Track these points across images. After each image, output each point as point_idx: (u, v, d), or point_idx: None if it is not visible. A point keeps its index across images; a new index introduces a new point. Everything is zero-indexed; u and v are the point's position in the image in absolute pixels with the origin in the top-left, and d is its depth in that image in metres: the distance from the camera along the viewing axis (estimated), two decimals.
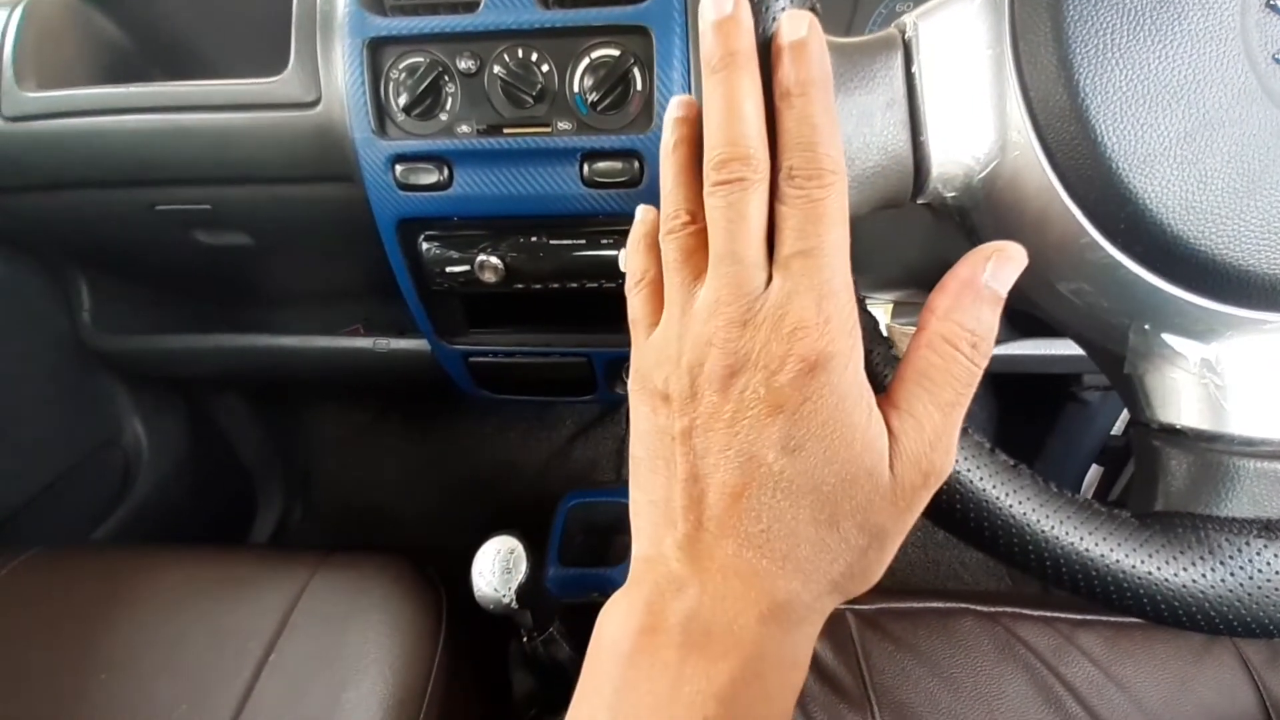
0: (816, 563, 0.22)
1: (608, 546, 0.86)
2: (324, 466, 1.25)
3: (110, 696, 0.53)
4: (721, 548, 0.22)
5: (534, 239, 0.54)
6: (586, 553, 0.84)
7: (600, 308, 0.59)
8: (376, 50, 0.50)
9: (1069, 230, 0.24)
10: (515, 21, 0.48)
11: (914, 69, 0.25)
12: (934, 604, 0.55)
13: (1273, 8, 0.23)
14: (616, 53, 0.48)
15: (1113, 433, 0.96)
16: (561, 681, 0.65)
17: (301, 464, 1.24)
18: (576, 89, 0.49)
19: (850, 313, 0.22)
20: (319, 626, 0.56)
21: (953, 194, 0.26)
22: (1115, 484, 1.00)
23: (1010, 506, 0.24)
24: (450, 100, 0.50)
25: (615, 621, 0.24)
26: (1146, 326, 0.25)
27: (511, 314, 0.65)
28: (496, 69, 0.48)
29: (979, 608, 0.55)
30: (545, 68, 0.49)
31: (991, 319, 0.22)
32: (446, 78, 0.50)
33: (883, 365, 0.24)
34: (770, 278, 0.22)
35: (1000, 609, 0.55)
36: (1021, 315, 0.58)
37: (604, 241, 0.54)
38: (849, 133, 0.25)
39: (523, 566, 0.52)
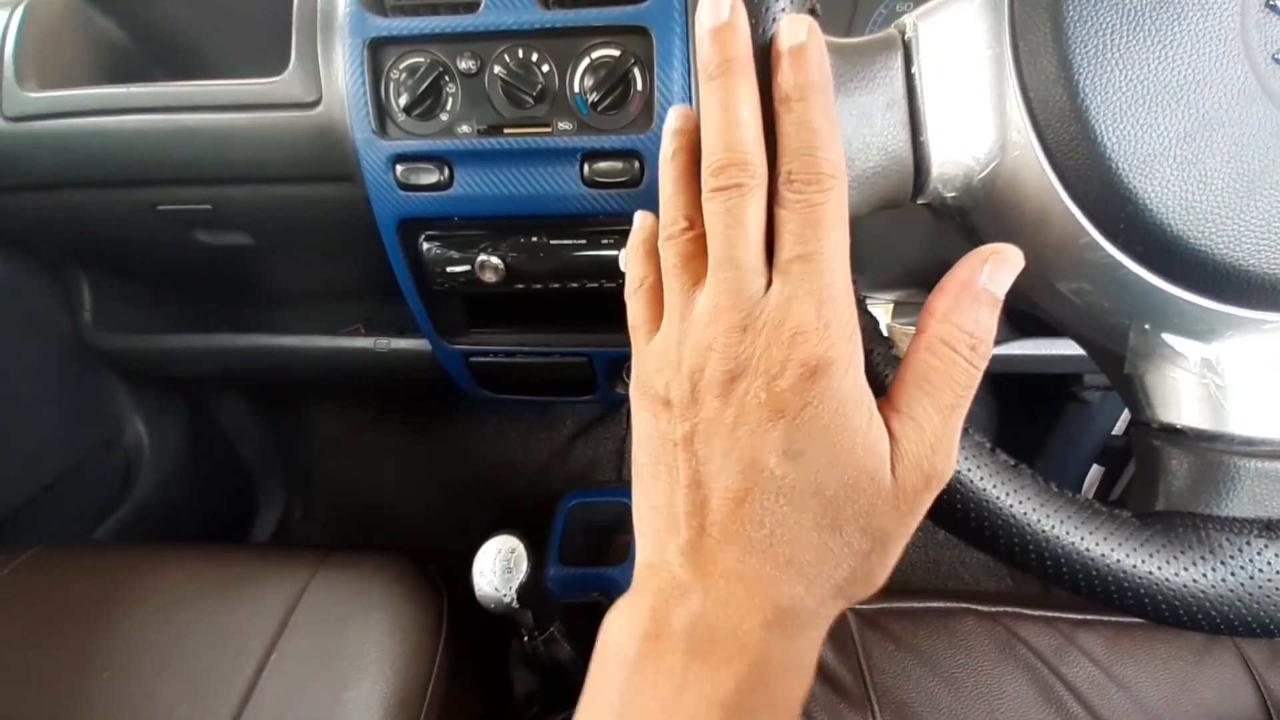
0: (820, 568, 0.22)
1: (608, 546, 0.86)
2: (325, 466, 1.25)
3: (111, 696, 0.54)
4: (725, 553, 0.22)
5: (534, 239, 0.54)
6: (587, 552, 0.84)
7: (601, 308, 0.59)
8: (377, 50, 0.50)
9: (1069, 230, 0.24)
10: (516, 22, 0.48)
11: (914, 69, 0.25)
12: (935, 604, 0.55)
13: (1272, 8, 0.23)
14: (617, 53, 0.48)
15: (1113, 433, 0.96)
16: (562, 681, 0.65)
17: (302, 464, 1.24)
18: (577, 89, 0.49)
19: (850, 317, 0.22)
20: (320, 626, 0.56)
21: (953, 194, 0.26)
22: (1116, 484, 1.00)
23: (1011, 506, 0.24)
24: (451, 100, 0.50)
25: (620, 627, 0.24)
26: (1147, 326, 0.25)
27: (512, 314, 0.65)
28: (497, 69, 0.48)
29: (980, 607, 0.55)
30: (546, 68, 0.49)
31: (990, 321, 0.22)
32: (447, 78, 0.50)
33: (883, 365, 0.24)
34: (770, 282, 0.22)
35: (1001, 609, 0.55)
36: (1022, 315, 0.58)
37: (604, 241, 0.54)
38: (849, 133, 0.25)
39: (523, 566, 0.52)
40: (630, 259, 0.27)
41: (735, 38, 0.21)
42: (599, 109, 0.49)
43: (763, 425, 0.21)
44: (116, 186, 0.61)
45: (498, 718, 0.68)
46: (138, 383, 0.94)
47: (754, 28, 0.22)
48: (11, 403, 0.79)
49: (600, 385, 0.68)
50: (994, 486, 0.24)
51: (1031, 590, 1.02)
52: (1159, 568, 0.24)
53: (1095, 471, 1.02)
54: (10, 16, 0.59)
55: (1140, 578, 0.24)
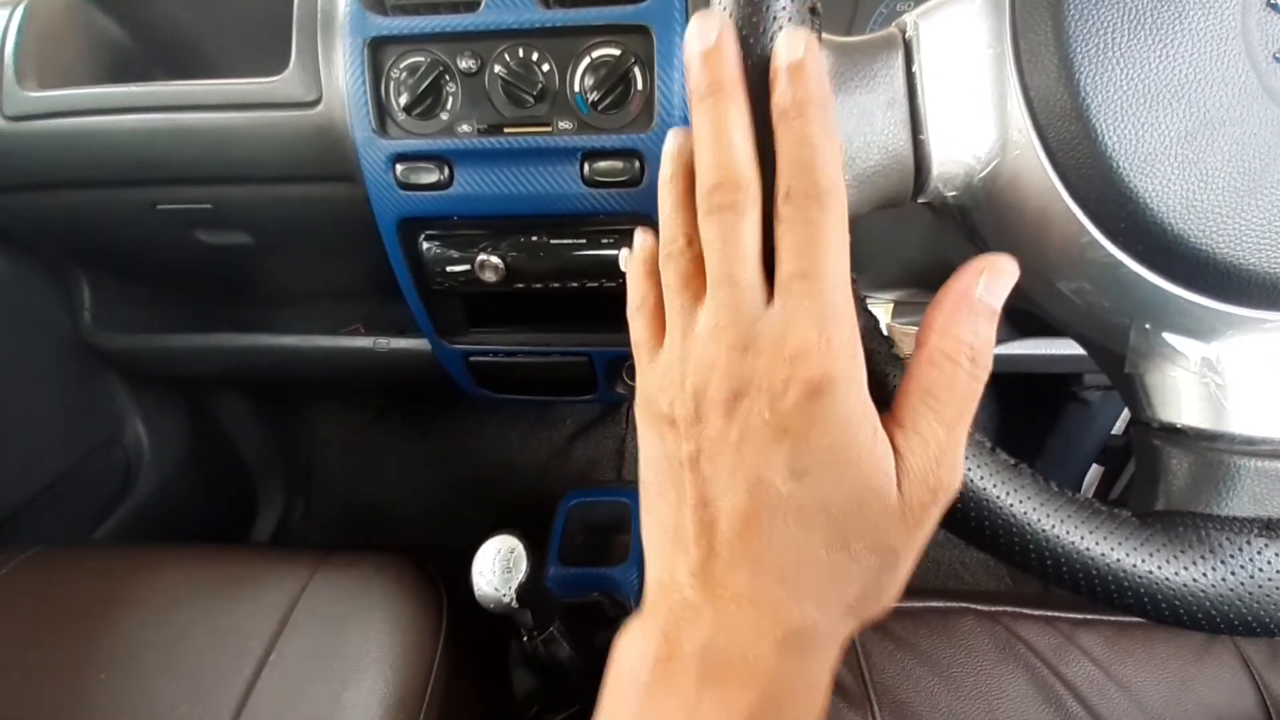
0: (831, 587, 0.22)
1: (608, 546, 0.86)
2: (325, 466, 1.25)
3: (110, 696, 0.53)
4: (735, 574, 0.22)
5: (534, 238, 0.54)
6: (587, 552, 0.84)
7: (601, 307, 0.59)
8: (377, 50, 0.50)
9: (1070, 229, 0.24)
10: (516, 21, 0.48)
11: (915, 68, 0.25)
12: (934, 603, 0.55)
13: (1273, 7, 0.23)
14: (617, 52, 0.48)
15: (1113, 432, 0.96)
16: (562, 681, 0.65)
17: (302, 463, 1.24)
18: (577, 88, 0.49)
19: (853, 334, 0.22)
20: (319, 625, 0.56)
21: (953, 193, 0.26)
22: (1116, 483, 1.00)
23: (1011, 506, 0.24)
24: (451, 100, 0.50)
25: (632, 649, 0.24)
26: (1147, 325, 0.25)
27: (512, 313, 0.65)
28: (497, 68, 0.48)
29: (979, 607, 0.55)
30: (546, 67, 0.49)
31: (989, 333, 0.22)
32: (447, 77, 0.50)
33: (885, 365, 0.24)
34: (770, 299, 0.22)
35: (1000, 608, 0.55)
36: (1022, 314, 0.59)
37: (604, 241, 0.54)
38: (849, 132, 0.25)
39: (523, 566, 0.52)
40: (631, 278, 0.27)
41: (723, 62, 0.22)
42: (599, 108, 0.49)
43: (767, 444, 0.21)
44: (117, 186, 0.61)
45: (497, 717, 0.68)
46: (138, 382, 0.94)
47: (753, 41, 0.22)
48: (11, 402, 0.79)
49: (600, 385, 0.68)
50: (994, 486, 0.24)
51: (1031, 590, 1.02)
52: (1159, 567, 0.24)
53: (1095, 471, 1.02)
54: (10, 16, 0.59)
55: (1140, 577, 0.24)
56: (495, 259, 0.54)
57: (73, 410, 0.86)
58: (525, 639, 0.59)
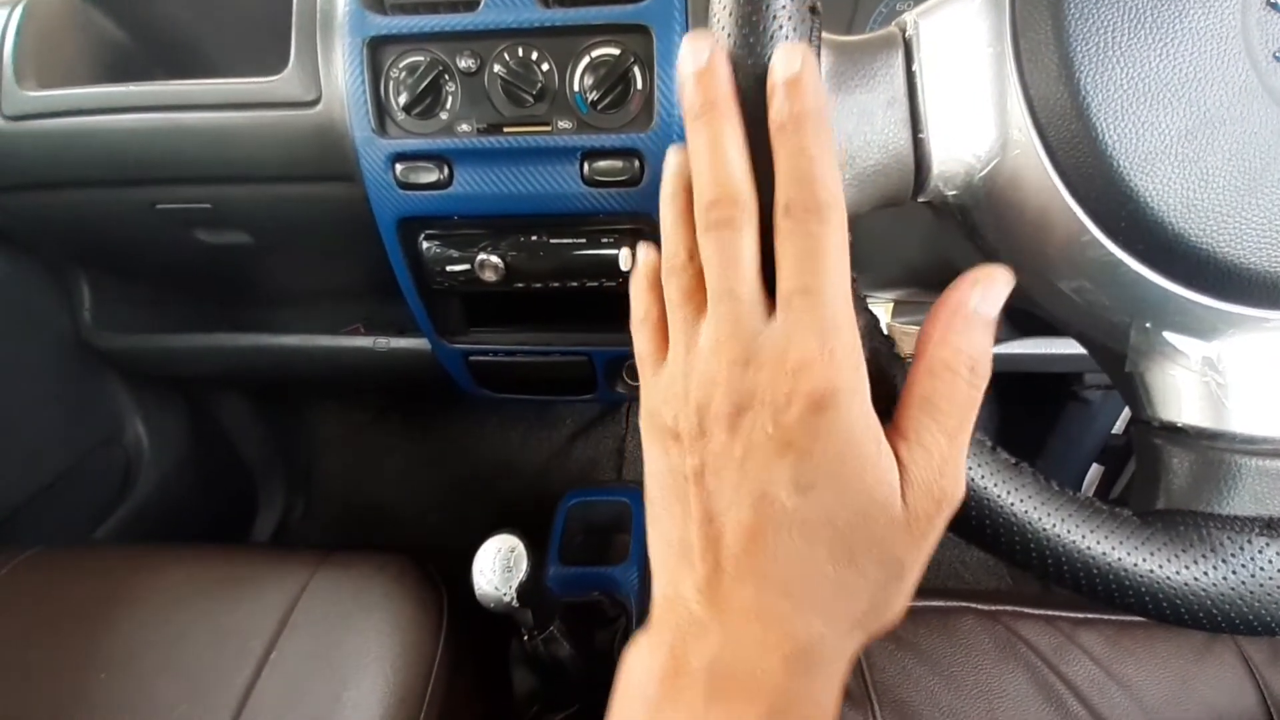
0: (837, 601, 0.22)
1: (608, 545, 0.86)
2: (325, 466, 1.25)
3: (110, 695, 0.53)
4: (741, 590, 0.22)
5: (534, 238, 0.54)
6: (587, 551, 0.84)
7: (600, 307, 0.59)
8: (377, 49, 0.50)
9: (1070, 228, 0.24)
10: (515, 20, 0.48)
11: (915, 67, 0.25)
12: (935, 603, 0.55)
13: (1273, 6, 0.23)
14: (617, 52, 0.48)
15: (1113, 432, 0.96)
16: (562, 680, 0.65)
17: (302, 463, 1.24)
18: (577, 88, 0.49)
19: (855, 347, 0.22)
20: (320, 625, 0.56)
21: (954, 192, 0.26)
22: (1115, 483, 1.00)
23: (1012, 505, 0.24)
24: (450, 99, 0.50)
25: (639, 664, 0.24)
26: (1148, 324, 0.25)
27: (512, 313, 0.65)
28: (497, 68, 0.48)
29: (980, 606, 0.55)
30: (545, 66, 0.49)
31: (985, 342, 0.22)
32: (447, 76, 0.50)
33: (888, 364, 0.24)
34: (772, 312, 0.22)
35: (1001, 607, 0.55)
36: (1022, 314, 0.58)
37: (604, 240, 0.54)
38: (850, 131, 0.25)
39: (523, 565, 0.52)
40: (635, 291, 0.28)
41: (715, 82, 0.22)
42: (599, 108, 0.49)
43: (771, 458, 0.21)
44: (116, 185, 0.61)
45: (498, 717, 0.68)
46: (138, 382, 0.94)
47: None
48: (11, 402, 0.78)
49: (600, 384, 0.68)
50: (995, 485, 0.24)
51: (1031, 589, 1.02)
52: (1160, 566, 0.24)
53: (1095, 471, 1.02)
54: (10, 15, 0.59)
55: (1141, 576, 0.24)
56: (495, 258, 0.54)
57: (72, 410, 0.86)
58: (525, 638, 0.59)
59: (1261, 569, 0.24)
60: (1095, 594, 0.25)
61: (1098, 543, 0.24)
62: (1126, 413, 0.92)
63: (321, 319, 0.85)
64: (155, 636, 0.57)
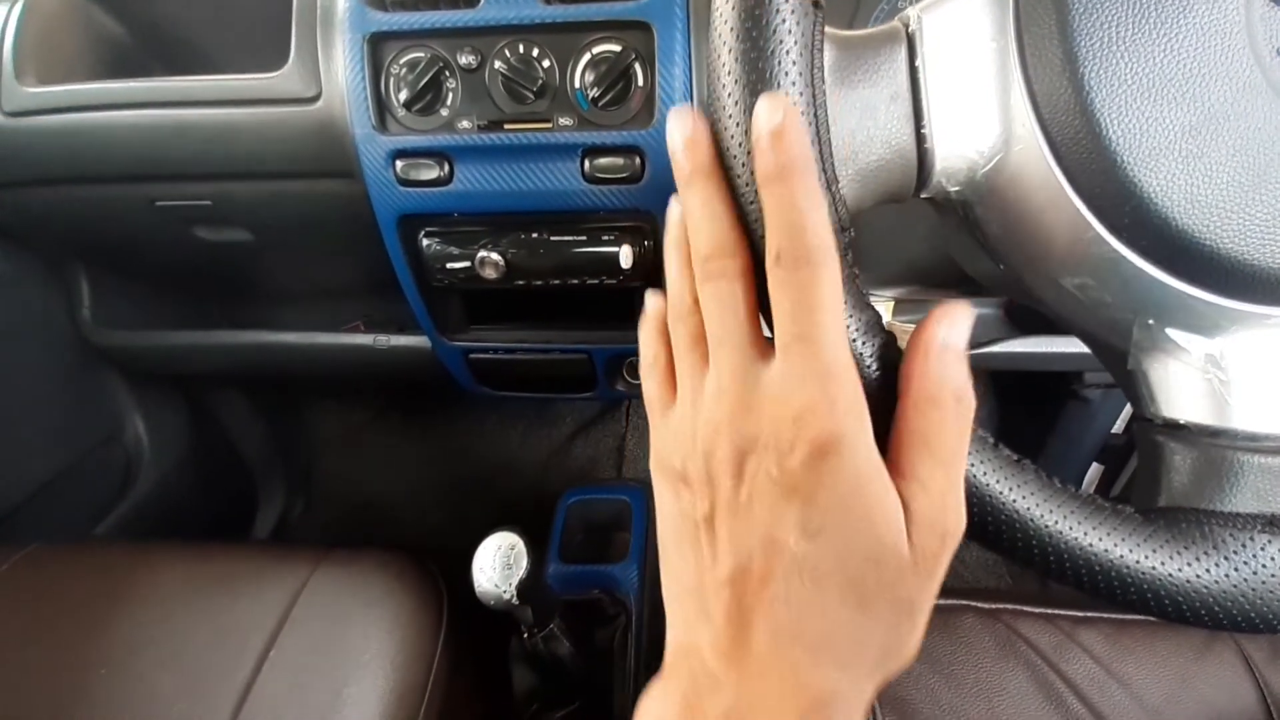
0: (852, 648, 0.22)
1: (608, 543, 0.86)
2: (325, 463, 1.25)
3: (110, 692, 0.53)
4: (755, 639, 0.22)
5: (535, 235, 0.54)
6: (587, 549, 0.84)
7: (601, 304, 0.59)
8: (377, 45, 0.50)
9: (1073, 225, 0.24)
10: (516, 16, 0.47)
11: (917, 62, 0.25)
12: (935, 601, 0.55)
13: (1276, 2, 0.23)
14: (618, 48, 0.48)
15: (1114, 430, 0.96)
16: (562, 678, 0.65)
17: (302, 461, 1.24)
18: (578, 84, 0.49)
19: (855, 390, 0.22)
20: (320, 622, 0.56)
21: (956, 188, 0.26)
22: (1115, 482, 1.00)
23: (1014, 502, 0.24)
24: (451, 96, 0.50)
25: (654, 712, 0.24)
26: (1151, 321, 0.25)
27: (512, 310, 0.65)
28: (497, 64, 0.48)
29: (980, 605, 0.55)
30: (546, 63, 0.49)
31: (963, 371, 0.22)
32: (447, 73, 0.49)
33: (897, 358, 0.24)
34: (773, 358, 0.22)
35: (1001, 606, 0.55)
36: (1022, 312, 0.58)
37: (605, 238, 0.54)
38: (852, 126, 0.25)
39: (523, 563, 0.52)
40: (643, 337, 0.29)
41: (701, 150, 0.23)
42: (600, 104, 0.49)
43: (777, 502, 0.22)
44: (116, 182, 0.61)
45: (497, 714, 0.68)
46: (138, 380, 0.94)
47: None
48: (11, 400, 0.78)
49: (600, 382, 0.67)
50: (997, 482, 0.24)
51: (1031, 588, 1.02)
52: (1162, 563, 0.24)
53: (1095, 470, 1.02)
54: (10, 11, 0.59)
55: (1143, 573, 0.24)
56: (495, 256, 0.54)
57: (72, 407, 0.86)
58: (525, 636, 0.60)
59: (1264, 566, 0.24)
60: (1097, 591, 0.25)
61: (1100, 540, 0.24)
62: (1127, 411, 0.92)
63: (321, 316, 0.85)
64: (155, 633, 0.57)
